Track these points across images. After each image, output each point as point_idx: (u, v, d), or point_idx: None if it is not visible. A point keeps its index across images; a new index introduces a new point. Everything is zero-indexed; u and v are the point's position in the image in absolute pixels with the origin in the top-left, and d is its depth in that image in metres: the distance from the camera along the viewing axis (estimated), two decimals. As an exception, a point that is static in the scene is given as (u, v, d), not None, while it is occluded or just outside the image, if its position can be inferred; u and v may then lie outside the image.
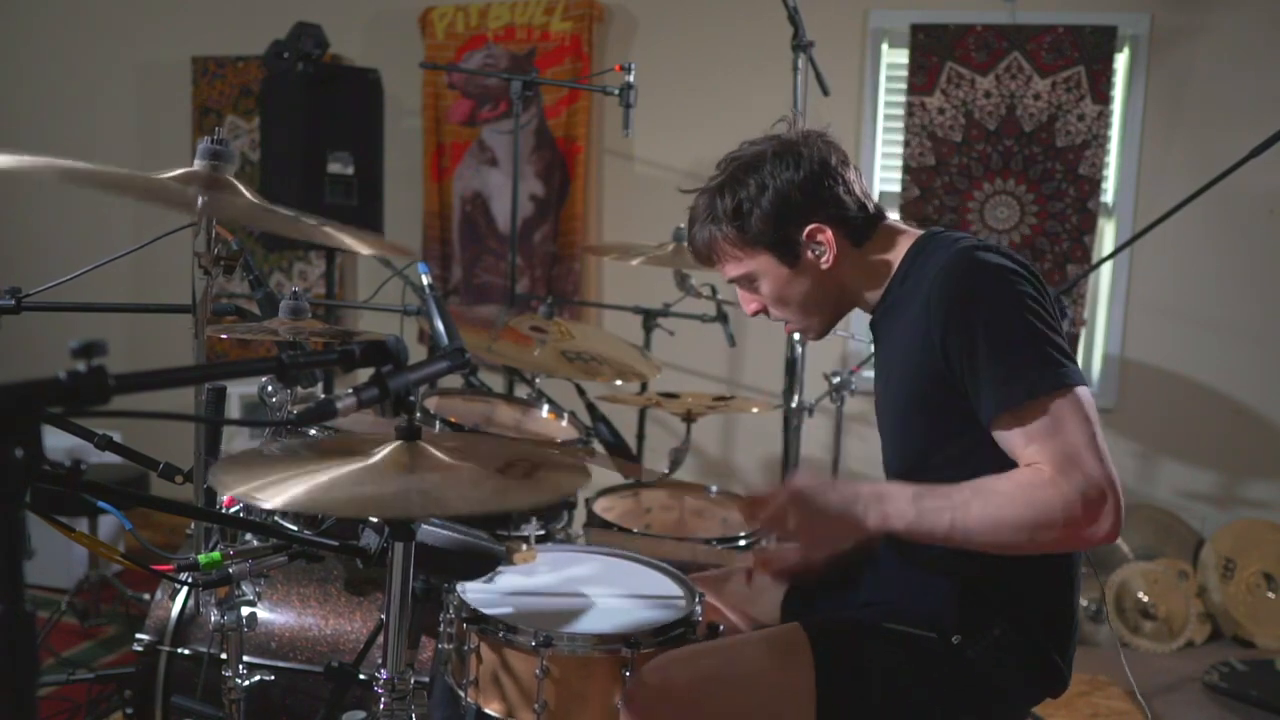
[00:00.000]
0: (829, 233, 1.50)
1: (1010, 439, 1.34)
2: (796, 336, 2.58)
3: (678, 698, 1.47)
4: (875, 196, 1.69)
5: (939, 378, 1.41)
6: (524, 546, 1.76)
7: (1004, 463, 1.38)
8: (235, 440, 3.69)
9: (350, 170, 3.69)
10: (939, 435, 1.47)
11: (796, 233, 1.50)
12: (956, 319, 1.37)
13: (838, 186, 1.50)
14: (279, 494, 1.11)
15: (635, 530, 2.27)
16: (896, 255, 1.53)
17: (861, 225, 1.52)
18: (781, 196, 1.48)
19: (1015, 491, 1.30)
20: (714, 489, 2.60)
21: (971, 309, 1.37)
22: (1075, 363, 1.35)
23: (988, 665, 1.47)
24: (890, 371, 1.57)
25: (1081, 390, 1.32)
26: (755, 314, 1.63)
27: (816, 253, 1.51)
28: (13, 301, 1.71)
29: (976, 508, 1.32)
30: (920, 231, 1.56)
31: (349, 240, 1.47)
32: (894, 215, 1.62)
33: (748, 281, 1.58)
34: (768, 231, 1.50)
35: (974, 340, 1.35)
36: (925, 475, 1.43)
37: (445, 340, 1.24)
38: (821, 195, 1.49)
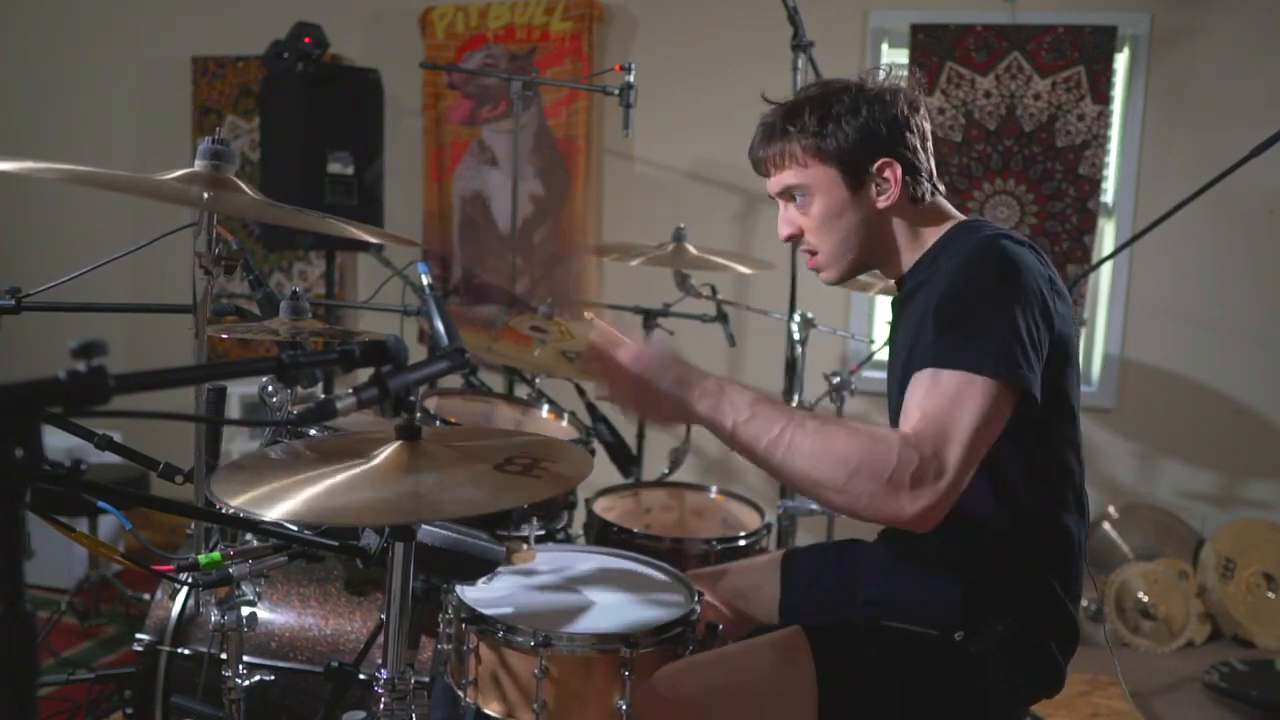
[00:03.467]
0: (898, 172, 1.50)
1: (911, 390, 1.31)
2: (807, 317, 2.57)
3: (684, 709, 1.47)
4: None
5: None
6: (524, 546, 1.76)
7: (1007, 462, 1.38)
8: (235, 440, 3.69)
9: (350, 170, 3.69)
10: None
11: (869, 161, 1.50)
12: (952, 286, 1.38)
13: (917, 136, 1.52)
14: (278, 505, 1.12)
15: (636, 530, 2.27)
16: (936, 233, 1.54)
17: (924, 182, 1.53)
18: (867, 123, 1.49)
19: (860, 430, 1.27)
20: (714, 489, 2.60)
21: (969, 281, 1.37)
22: (1035, 373, 1.31)
23: (990, 662, 1.47)
24: (901, 356, 1.56)
25: (1009, 390, 1.28)
26: (787, 239, 1.59)
27: (880, 188, 1.51)
28: (13, 301, 1.71)
29: (812, 428, 1.27)
30: (964, 218, 1.56)
31: (353, 230, 1.48)
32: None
33: (800, 195, 1.55)
34: (844, 149, 1.49)
35: (951, 301, 1.35)
36: None
37: (445, 340, 1.23)
38: (903, 137, 1.50)
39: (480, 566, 1.59)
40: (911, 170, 1.51)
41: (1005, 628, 1.47)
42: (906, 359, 1.46)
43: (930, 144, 1.55)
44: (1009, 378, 1.28)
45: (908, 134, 1.50)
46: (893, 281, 1.62)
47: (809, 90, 1.55)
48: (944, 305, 1.36)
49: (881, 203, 1.51)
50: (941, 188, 1.57)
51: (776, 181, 1.57)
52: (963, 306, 1.34)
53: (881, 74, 1.56)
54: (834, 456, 1.25)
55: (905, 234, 1.55)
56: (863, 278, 1.77)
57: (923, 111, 1.54)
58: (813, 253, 1.58)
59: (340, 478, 1.18)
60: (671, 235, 2.78)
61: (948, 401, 1.27)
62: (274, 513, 1.12)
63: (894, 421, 1.57)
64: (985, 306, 1.33)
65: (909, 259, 1.56)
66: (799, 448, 1.27)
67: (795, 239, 1.58)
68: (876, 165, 1.50)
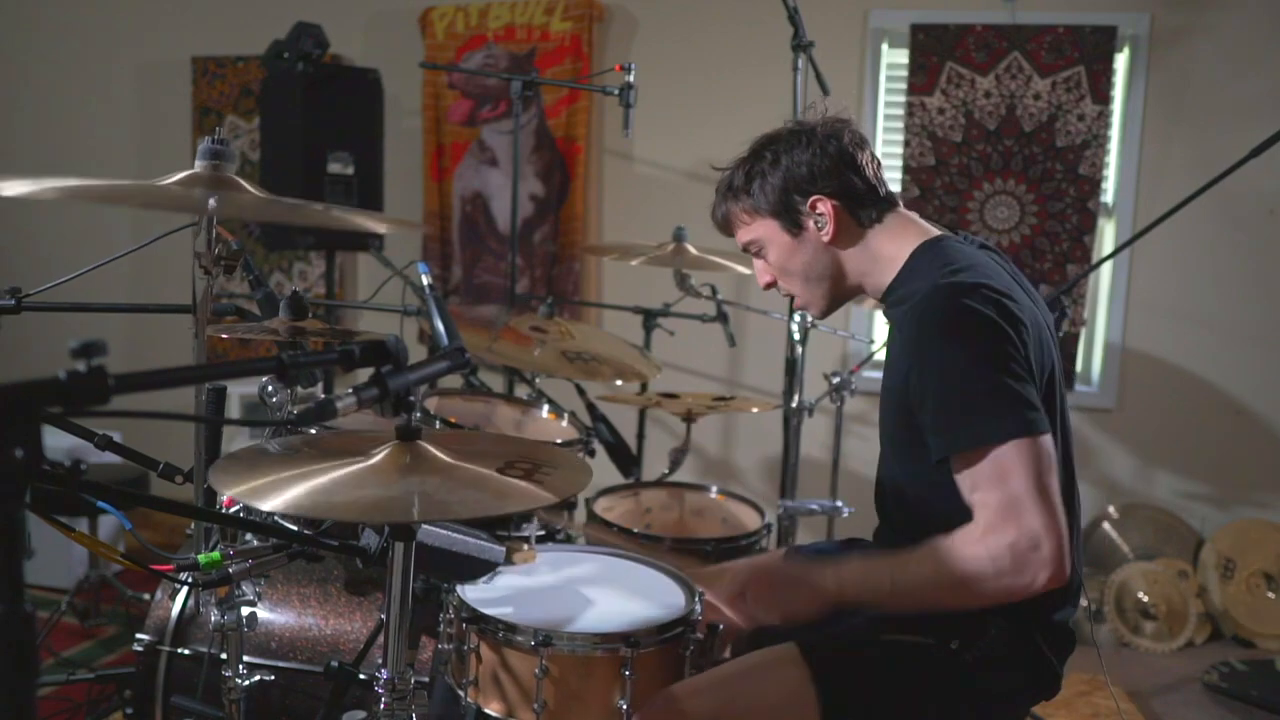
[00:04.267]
0: (829, 205, 1.55)
1: (959, 482, 1.37)
2: (806, 318, 2.59)
3: None
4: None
5: (911, 410, 1.44)
6: (524, 546, 1.76)
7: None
8: (235, 440, 3.69)
9: (350, 170, 3.69)
10: (914, 462, 1.48)
11: (800, 202, 1.56)
12: (921, 360, 1.41)
13: (844, 164, 1.55)
14: (278, 496, 1.12)
15: (634, 530, 2.27)
16: (904, 250, 1.55)
17: (867, 204, 1.56)
18: (788, 170, 1.56)
19: (950, 549, 1.34)
20: (714, 489, 2.60)
21: (935, 352, 1.40)
22: (1038, 409, 1.35)
23: (986, 669, 1.47)
24: (892, 380, 1.57)
25: (1039, 440, 1.33)
26: (768, 287, 1.68)
27: (818, 224, 1.56)
28: (13, 301, 1.71)
29: (914, 565, 1.37)
30: (936, 232, 1.57)
31: (358, 219, 1.49)
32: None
33: (756, 249, 1.65)
34: (773, 199, 1.57)
35: (931, 383, 1.39)
36: (906, 492, 1.52)
37: (445, 340, 1.23)
38: (827, 170, 1.55)
39: (480, 567, 1.59)
40: (845, 198, 1.55)
41: (999, 634, 1.47)
42: (888, 401, 1.54)
43: (867, 162, 1.57)
44: (1024, 431, 1.33)
45: (831, 165, 1.55)
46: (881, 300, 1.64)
47: (743, 151, 1.65)
48: (923, 388, 1.39)
49: (825, 236, 1.57)
50: (899, 203, 1.60)
51: (738, 241, 1.68)
52: (945, 386, 1.38)
53: (811, 113, 1.64)
54: (940, 583, 1.35)
55: (866, 257, 1.59)
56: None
57: (849, 138, 1.57)
58: (792, 296, 1.68)
59: (342, 473, 1.18)
60: (671, 235, 2.78)
61: (994, 480, 1.33)
62: (272, 503, 1.12)
63: (883, 441, 1.59)
64: (962, 379, 1.36)
65: (883, 278, 1.58)
66: (912, 584, 1.38)
67: (774, 286, 1.68)
68: (808, 204, 1.56)
